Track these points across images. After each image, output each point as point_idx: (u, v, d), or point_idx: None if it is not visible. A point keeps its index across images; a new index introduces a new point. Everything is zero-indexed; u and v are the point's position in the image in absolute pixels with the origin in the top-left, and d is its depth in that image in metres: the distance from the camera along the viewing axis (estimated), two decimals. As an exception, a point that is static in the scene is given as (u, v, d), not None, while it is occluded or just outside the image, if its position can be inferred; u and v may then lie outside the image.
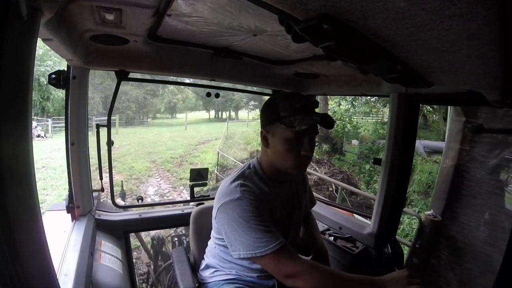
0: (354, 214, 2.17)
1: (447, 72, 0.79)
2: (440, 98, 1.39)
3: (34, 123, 13.68)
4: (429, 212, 2.93)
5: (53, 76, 1.33)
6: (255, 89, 2.58)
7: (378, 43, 0.58)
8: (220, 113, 29.14)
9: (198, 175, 1.97)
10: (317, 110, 1.03)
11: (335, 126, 1.28)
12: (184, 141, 13.68)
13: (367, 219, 1.93)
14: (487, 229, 1.46)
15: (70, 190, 1.47)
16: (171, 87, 23.34)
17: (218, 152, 9.25)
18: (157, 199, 7.34)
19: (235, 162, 8.82)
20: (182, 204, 2.53)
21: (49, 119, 15.06)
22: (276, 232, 0.92)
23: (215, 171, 8.41)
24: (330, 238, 1.70)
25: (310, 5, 0.45)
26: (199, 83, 3.05)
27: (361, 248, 1.59)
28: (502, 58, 0.53)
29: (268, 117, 1.00)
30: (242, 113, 28.04)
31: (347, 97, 9.58)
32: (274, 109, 0.97)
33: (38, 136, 13.42)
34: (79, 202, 1.49)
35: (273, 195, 1.06)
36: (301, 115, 0.92)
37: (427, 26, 0.47)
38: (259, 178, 1.06)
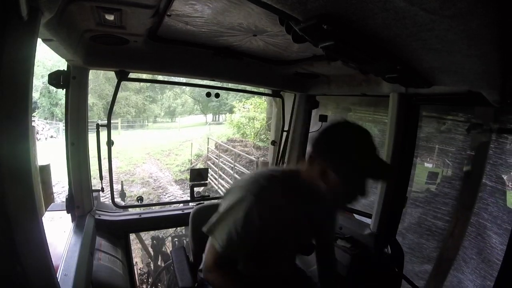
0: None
1: (447, 72, 0.79)
2: (440, 98, 1.39)
3: (47, 126, 16.55)
4: (262, 158, 8.24)
5: (53, 76, 1.33)
6: (259, 89, 2.58)
7: (378, 43, 0.58)
8: (217, 116, 29.38)
9: (198, 175, 1.96)
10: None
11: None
12: (175, 139, 16.24)
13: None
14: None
15: (70, 190, 1.47)
16: (170, 92, 23.58)
17: (191, 143, 12.08)
18: (146, 175, 9.49)
19: (206, 152, 11.66)
20: (182, 204, 2.53)
21: (60, 122, 17.20)
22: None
23: (191, 158, 11.39)
24: None
25: (310, 5, 0.45)
26: (199, 83, 3.05)
27: (361, 248, 1.59)
28: (501, 58, 0.53)
29: (343, 161, 0.81)
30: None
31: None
32: (358, 166, 0.81)
33: (51, 136, 16.11)
34: (79, 202, 1.48)
35: (295, 204, 0.96)
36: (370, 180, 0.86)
37: (427, 26, 0.47)
38: (292, 188, 0.95)
